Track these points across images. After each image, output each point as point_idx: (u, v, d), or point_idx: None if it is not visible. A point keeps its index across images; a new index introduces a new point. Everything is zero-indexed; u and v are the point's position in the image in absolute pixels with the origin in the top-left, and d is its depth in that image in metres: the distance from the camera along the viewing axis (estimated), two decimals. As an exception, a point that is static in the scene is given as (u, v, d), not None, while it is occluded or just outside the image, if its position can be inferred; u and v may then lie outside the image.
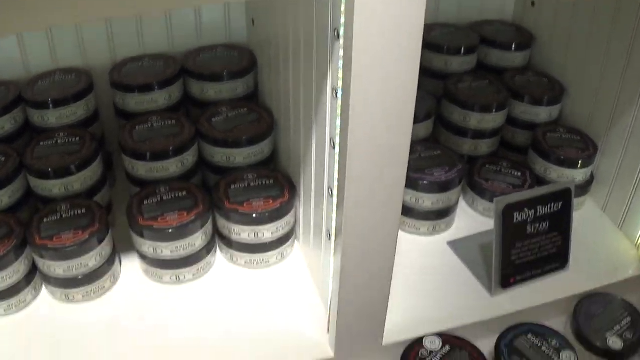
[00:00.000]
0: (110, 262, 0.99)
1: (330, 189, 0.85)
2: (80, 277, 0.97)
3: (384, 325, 0.91)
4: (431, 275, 1.05)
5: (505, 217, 0.99)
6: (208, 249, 1.02)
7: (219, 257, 1.07)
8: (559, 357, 0.93)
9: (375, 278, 0.85)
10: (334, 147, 0.79)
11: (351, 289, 0.84)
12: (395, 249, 0.83)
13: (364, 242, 0.81)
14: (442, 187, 1.08)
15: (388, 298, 0.88)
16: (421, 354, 0.93)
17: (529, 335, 0.96)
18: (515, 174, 1.18)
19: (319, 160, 0.88)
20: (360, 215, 0.78)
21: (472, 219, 1.18)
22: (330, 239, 0.88)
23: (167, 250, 0.97)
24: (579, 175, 1.15)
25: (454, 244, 1.11)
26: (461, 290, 1.03)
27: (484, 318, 1.00)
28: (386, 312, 0.89)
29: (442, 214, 1.12)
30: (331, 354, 0.92)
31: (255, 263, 1.03)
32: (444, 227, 1.12)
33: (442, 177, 1.09)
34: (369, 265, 0.83)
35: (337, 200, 0.80)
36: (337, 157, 0.77)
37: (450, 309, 1.00)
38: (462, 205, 1.19)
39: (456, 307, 1.01)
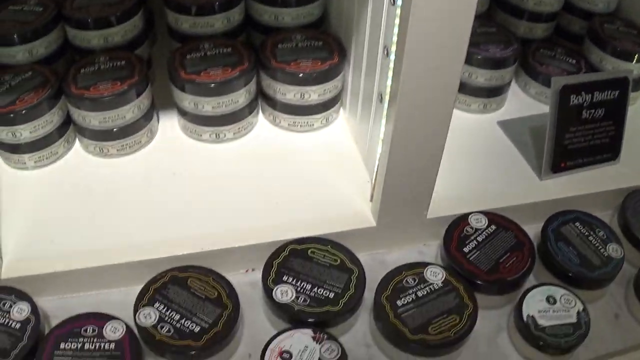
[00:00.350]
0: (147, 116, 0.96)
1: (386, 48, 0.80)
2: (115, 130, 0.94)
3: (430, 197, 0.88)
4: (480, 154, 1.01)
5: (562, 98, 0.95)
6: (250, 108, 0.98)
7: (261, 119, 1.03)
8: (605, 249, 0.89)
9: (427, 146, 0.81)
10: (393, 3, 0.74)
11: (401, 156, 0.80)
12: (451, 116, 0.78)
13: (419, 106, 0.76)
14: (497, 64, 1.04)
15: (438, 169, 0.84)
16: (466, 230, 0.90)
17: (577, 224, 0.92)
18: (570, 60, 1.14)
19: (374, 20, 0.83)
20: (418, 76, 0.73)
21: (523, 102, 1.13)
22: (381, 102, 0.84)
23: (209, 106, 0.93)
24: (635, 69, 1.09)
25: (505, 124, 1.06)
26: (510, 171, 1.00)
27: (532, 201, 0.96)
28: (434, 183, 0.86)
29: (494, 92, 1.07)
30: (373, 223, 0.89)
31: (298, 125, 1.00)
32: (495, 106, 1.08)
33: (497, 53, 1.04)
34: (422, 131, 0.79)
35: (395, 58, 0.75)
36: (398, 11, 0.72)
37: (498, 189, 0.97)
38: (514, 88, 1.14)
39: (504, 188, 0.97)
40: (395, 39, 0.75)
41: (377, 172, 0.86)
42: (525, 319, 0.82)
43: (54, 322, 0.84)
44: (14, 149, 0.93)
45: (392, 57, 0.77)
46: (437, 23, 0.69)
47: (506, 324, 0.87)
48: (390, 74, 0.79)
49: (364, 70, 0.90)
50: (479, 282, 0.85)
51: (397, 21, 0.74)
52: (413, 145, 0.80)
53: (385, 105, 0.81)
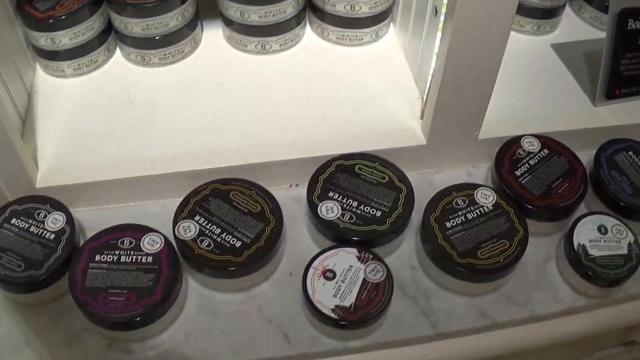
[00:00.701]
0: (191, 25, 0.93)
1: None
2: (158, 38, 0.91)
3: (483, 117, 0.84)
4: (532, 76, 0.97)
5: (620, 21, 0.90)
6: (298, 19, 0.95)
7: (308, 31, 0.99)
8: (659, 181, 0.85)
9: (483, 63, 0.77)
10: None
11: (455, 72, 0.77)
12: (509, 33, 0.74)
13: (477, 21, 0.72)
14: (552, -16, 0.98)
15: (493, 87, 0.80)
16: (518, 153, 0.86)
17: (630, 153, 0.89)
18: (628, -15, 1.06)
19: None
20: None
21: (576, 25, 1.08)
22: (436, 15, 0.80)
23: (255, 15, 0.90)
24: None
25: (558, 47, 1.02)
26: (563, 95, 0.95)
27: (584, 127, 0.92)
28: (488, 102, 0.82)
29: (549, 14, 1.03)
30: (423, 141, 0.86)
31: (347, 39, 0.96)
32: (548, 28, 1.03)
33: (554, -27, 0.98)
34: (479, 47, 0.75)
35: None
36: None
37: (551, 113, 0.93)
38: (567, 11, 1.08)
39: (557, 112, 0.93)
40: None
41: (429, 88, 0.83)
42: (576, 247, 0.79)
43: (89, 234, 0.82)
44: (53, 55, 0.91)
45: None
46: None
47: (555, 252, 0.83)
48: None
49: (418, -17, 0.85)
50: (529, 207, 0.82)
51: None
52: (469, 62, 0.76)
53: (441, 18, 0.77)
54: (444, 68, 0.76)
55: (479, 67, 0.77)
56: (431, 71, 0.82)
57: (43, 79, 0.94)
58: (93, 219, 0.84)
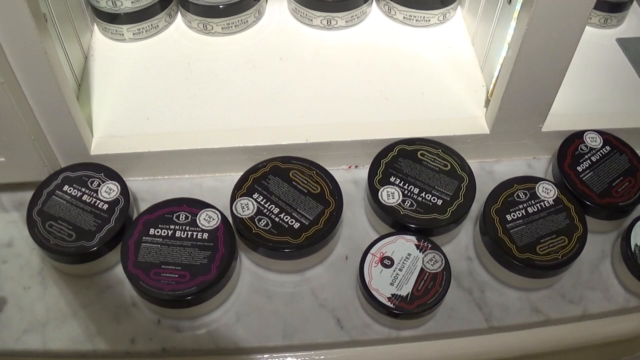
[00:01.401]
0: (256, -5, 0.90)
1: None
2: (222, 7, 0.89)
3: (549, 109, 0.82)
4: (596, 70, 0.95)
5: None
6: (365, -5, 0.91)
7: (374, 9, 0.97)
8: None
9: (556, 54, 0.75)
10: None
11: (527, 63, 0.75)
12: (585, 26, 0.71)
13: (556, 11, 0.70)
14: (625, -22, 0.96)
15: (562, 80, 0.78)
16: (580, 148, 0.84)
17: (691, 155, 0.86)
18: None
19: None
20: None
21: (644, 21, 1.04)
22: (510, 3, 0.78)
23: (326, -11, 0.87)
24: None
25: (624, 42, 1.00)
26: (626, 92, 0.93)
27: (646, 125, 0.88)
28: (555, 95, 0.80)
29: (617, 7, 1.00)
30: (487, 130, 0.84)
31: (414, 20, 0.94)
32: (615, 22, 1.01)
33: (627, -34, 0.96)
34: (555, 38, 0.73)
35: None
36: None
37: (613, 109, 0.91)
38: (634, 6, 1.05)
39: (619, 109, 0.91)
40: None
41: (497, 77, 0.81)
42: (633, 248, 0.77)
43: (142, 205, 0.81)
44: (113, 18, 0.89)
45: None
46: None
47: (610, 251, 0.82)
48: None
49: (493, -32, 0.83)
50: (589, 205, 0.80)
51: None
52: (542, 53, 0.74)
53: (518, 7, 0.74)
54: (516, 58, 0.74)
55: (551, 59, 0.75)
56: (500, 60, 0.80)
57: (101, 41, 0.92)
58: (146, 189, 0.83)
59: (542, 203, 0.79)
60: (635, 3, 1.05)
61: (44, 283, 0.77)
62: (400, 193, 0.78)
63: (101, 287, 0.76)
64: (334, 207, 0.76)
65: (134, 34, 0.90)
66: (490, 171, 0.87)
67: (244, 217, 0.75)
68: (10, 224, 0.80)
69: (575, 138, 0.85)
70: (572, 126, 0.86)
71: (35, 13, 0.64)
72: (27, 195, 0.79)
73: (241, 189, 0.77)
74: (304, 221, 0.75)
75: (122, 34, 0.90)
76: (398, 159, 0.80)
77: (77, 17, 0.87)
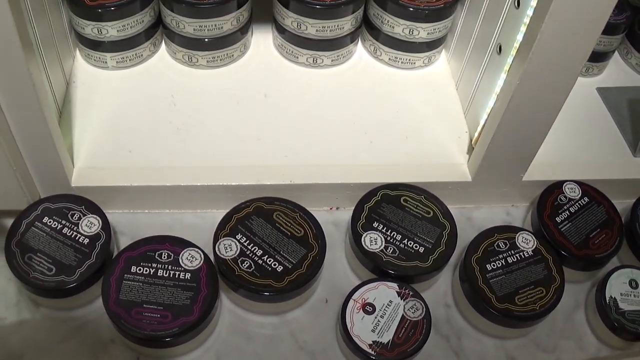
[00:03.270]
0: (244, 29, 0.91)
1: (517, -2, 0.73)
2: (208, 40, 0.88)
3: (532, 160, 0.83)
4: (576, 120, 0.96)
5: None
6: (353, 36, 0.93)
7: (360, 48, 0.98)
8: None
9: (545, 107, 0.76)
10: None
11: (516, 114, 0.76)
12: (577, 77, 0.73)
13: (549, 66, 0.71)
14: (608, 29, 0.96)
15: (548, 131, 0.79)
16: (560, 199, 0.86)
17: (669, 206, 0.88)
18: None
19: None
20: (555, 36, 0.68)
21: (622, 70, 1.07)
22: (499, 53, 0.79)
23: (313, 28, 0.88)
24: None
25: (604, 92, 1.01)
26: (604, 142, 0.95)
27: (623, 177, 0.91)
28: (540, 145, 0.81)
29: (600, 57, 1.01)
30: (469, 177, 0.85)
31: (399, 62, 0.95)
32: (596, 71, 1.02)
33: (610, 18, 0.96)
34: (545, 92, 0.74)
35: (533, 15, 0.69)
36: None
37: (591, 159, 0.92)
38: (615, 56, 1.07)
39: (597, 159, 0.92)
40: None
41: (483, 126, 0.81)
42: (607, 300, 0.79)
43: (121, 239, 0.80)
44: (96, 45, 0.88)
45: (529, 11, 0.71)
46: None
47: (584, 301, 0.83)
48: (522, 28, 0.72)
49: (482, 16, 0.84)
50: (567, 256, 0.81)
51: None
52: (532, 105, 0.75)
53: (509, 59, 0.76)
54: (505, 110, 0.75)
55: (540, 111, 0.76)
56: (487, 110, 0.81)
57: (83, 67, 0.91)
58: (126, 222, 0.82)
59: (521, 253, 0.80)
60: (616, 53, 1.06)
61: (20, 314, 0.76)
62: (383, 239, 0.78)
63: (79, 321, 0.76)
64: (317, 251, 0.76)
65: (117, 62, 0.88)
66: (469, 217, 0.88)
67: (227, 258, 0.74)
68: (-13, 252, 0.78)
69: (554, 188, 0.86)
70: (552, 176, 0.87)
71: (23, 38, 0.63)
72: (5, 222, 0.77)
73: (224, 229, 0.77)
74: (287, 264, 0.75)
75: (106, 62, 0.88)
76: (381, 204, 0.81)
77: (60, 42, 0.85)
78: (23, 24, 0.63)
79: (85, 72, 0.90)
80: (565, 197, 0.85)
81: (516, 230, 0.82)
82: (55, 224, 0.76)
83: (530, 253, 0.80)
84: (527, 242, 0.81)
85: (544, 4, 0.66)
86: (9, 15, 0.60)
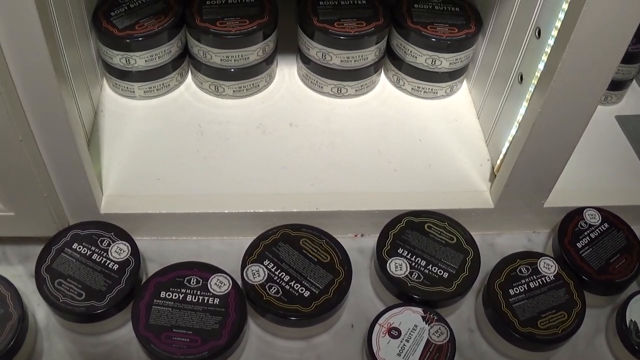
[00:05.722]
0: (269, 60, 0.92)
1: (538, 29, 0.76)
2: (234, 70, 0.89)
3: (553, 187, 0.84)
4: (596, 147, 0.97)
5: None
6: (377, 66, 0.94)
7: (383, 79, 0.99)
8: None
9: (566, 135, 0.77)
10: None
11: (538, 142, 0.77)
12: (597, 106, 0.74)
13: (570, 96, 0.72)
14: (627, 58, 0.99)
15: (569, 158, 0.80)
16: (580, 225, 0.87)
17: (683, 233, 0.89)
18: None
19: (527, -1, 0.78)
20: (577, 67, 0.69)
21: (640, 98, 1.07)
22: (521, 82, 0.80)
23: (337, 59, 0.90)
24: None
25: (623, 120, 1.02)
26: (623, 169, 0.96)
27: (640, 203, 0.90)
28: (561, 172, 0.82)
29: (618, 85, 1.03)
30: (491, 204, 0.86)
31: (422, 91, 0.96)
32: (615, 99, 1.04)
33: (629, 47, 0.98)
34: (566, 120, 0.75)
35: (554, 45, 0.71)
36: None
37: (610, 186, 0.93)
38: (634, 85, 1.09)
39: (616, 185, 0.93)
40: (558, 24, 0.71)
41: (505, 154, 0.82)
42: (628, 324, 0.79)
43: (149, 265, 0.81)
44: (124, 75, 0.89)
45: (550, 41, 0.73)
46: (611, 15, 0.64)
47: (604, 325, 0.84)
48: (543, 57, 0.74)
49: (503, 47, 0.86)
50: (588, 280, 0.82)
51: (564, 6, 0.69)
52: (553, 133, 0.76)
53: (530, 88, 0.77)
54: (528, 137, 0.76)
55: (561, 139, 0.77)
56: (509, 137, 0.82)
57: (110, 97, 0.92)
58: (154, 249, 0.84)
59: (543, 278, 0.81)
60: (634, 81, 1.07)
61: (50, 339, 0.76)
62: (408, 265, 0.79)
63: (107, 346, 0.77)
64: (343, 277, 0.77)
65: (144, 91, 0.90)
66: (491, 244, 0.89)
67: (254, 283, 0.76)
68: (15, 277, 0.80)
69: (575, 215, 0.87)
70: (572, 202, 0.88)
71: (57, 66, 0.64)
72: (32, 249, 0.79)
73: (252, 255, 0.78)
74: (314, 290, 0.76)
75: (133, 91, 0.90)
76: (406, 231, 0.82)
77: (88, 71, 0.87)
78: (57, 53, 0.64)
79: (113, 101, 0.92)
80: (585, 223, 0.86)
81: (538, 255, 0.83)
82: (84, 250, 0.77)
83: (552, 278, 0.81)
84: (548, 268, 0.82)
85: (564, 34, 0.67)
86: (43, 45, 0.61)
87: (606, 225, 0.87)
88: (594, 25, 0.64)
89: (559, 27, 0.70)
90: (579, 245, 0.84)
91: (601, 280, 0.82)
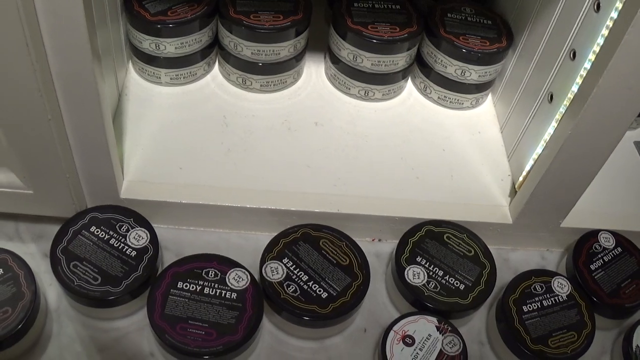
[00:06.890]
0: (299, 57, 0.92)
1: (573, 51, 0.77)
2: (262, 64, 0.89)
3: (572, 207, 0.84)
4: (613, 171, 0.97)
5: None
6: (405, 72, 0.94)
7: (410, 85, 0.99)
8: None
9: (592, 157, 0.77)
10: (597, 10, 0.71)
11: (564, 163, 0.77)
12: (627, 129, 0.75)
13: (601, 118, 0.72)
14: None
15: (592, 180, 0.80)
16: (595, 247, 0.87)
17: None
18: None
19: (564, 19, 0.80)
20: (613, 92, 0.69)
21: (658, 124, 1.08)
22: (550, 102, 0.80)
23: (368, 62, 0.90)
24: None
25: (640, 146, 1.03)
26: (638, 194, 0.95)
27: (655, 230, 0.91)
28: (582, 193, 0.82)
29: (639, 110, 1.02)
30: (510, 220, 0.86)
31: (448, 101, 0.97)
32: (634, 124, 1.04)
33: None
34: (595, 142, 0.75)
35: (591, 68, 0.71)
36: (605, 21, 0.69)
37: (624, 210, 0.94)
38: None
39: (631, 210, 0.94)
40: (596, 49, 0.71)
41: (529, 172, 0.83)
42: (634, 348, 0.80)
43: (165, 254, 0.80)
44: (151, 60, 0.89)
45: (586, 65, 0.73)
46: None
47: (610, 348, 0.84)
48: (577, 79, 0.75)
49: (534, 64, 0.86)
50: (599, 303, 0.82)
51: (604, 32, 0.69)
52: (580, 155, 0.77)
53: (561, 109, 0.77)
54: (554, 158, 0.76)
55: (587, 161, 0.78)
56: (534, 156, 0.82)
57: (135, 81, 0.92)
58: (170, 238, 0.83)
59: (556, 297, 0.81)
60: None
61: (59, 321, 0.75)
62: (426, 274, 0.79)
63: (119, 332, 0.76)
64: (361, 281, 0.77)
65: (171, 78, 0.89)
66: (506, 259, 0.89)
67: (273, 281, 0.75)
68: (27, 255, 0.78)
69: (590, 237, 0.88)
70: (588, 224, 0.89)
71: (93, 46, 0.63)
72: (47, 228, 0.78)
73: (271, 252, 0.78)
74: (332, 292, 0.76)
75: (159, 77, 0.89)
76: (425, 240, 0.82)
77: (116, 54, 0.86)
78: (94, 33, 0.63)
79: (138, 85, 0.91)
80: (600, 245, 0.87)
81: (552, 274, 0.83)
82: (102, 234, 0.76)
83: (565, 298, 0.81)
84: (562, 287, 0.82)
85: (603, 60, 0.67)
86: (83, 23, 0.60)
87: (619, 249, 0.88)
88: (633, 53, 0.64)
89: (597, 52, 0.70)
90: (592, 267, 0.85)
91: (611, 303, 0.83)
